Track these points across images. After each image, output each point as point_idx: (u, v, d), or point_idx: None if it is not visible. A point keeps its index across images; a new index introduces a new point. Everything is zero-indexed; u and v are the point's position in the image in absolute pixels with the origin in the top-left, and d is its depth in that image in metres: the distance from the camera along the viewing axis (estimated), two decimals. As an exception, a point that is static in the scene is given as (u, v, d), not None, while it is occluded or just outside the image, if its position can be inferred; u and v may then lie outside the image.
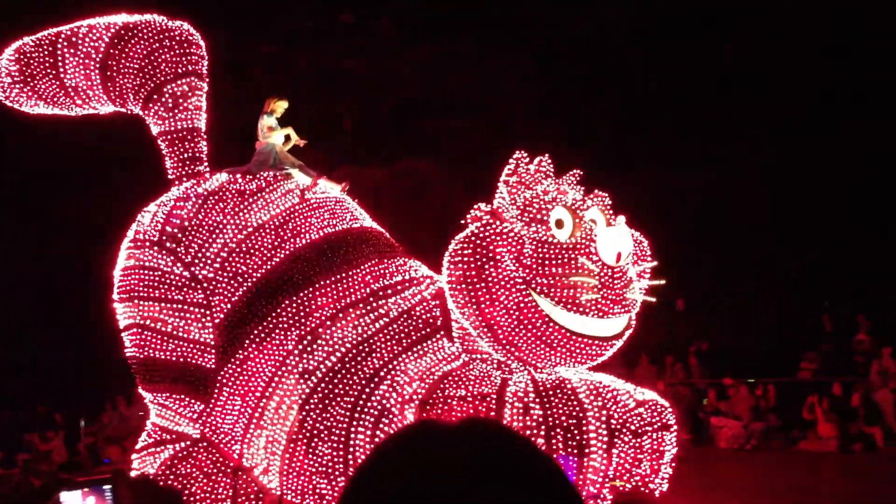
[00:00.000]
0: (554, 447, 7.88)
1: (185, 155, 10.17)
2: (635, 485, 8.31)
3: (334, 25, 24.77)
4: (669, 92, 23.80)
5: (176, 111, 10.19)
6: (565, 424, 7.95)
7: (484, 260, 7.75)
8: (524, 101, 24.05)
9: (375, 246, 9.38)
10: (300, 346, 8.63)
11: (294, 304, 8.79)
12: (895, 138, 21.65)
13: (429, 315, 8.80)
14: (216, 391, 8.81)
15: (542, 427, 7.90)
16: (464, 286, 7.82)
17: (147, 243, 9.25)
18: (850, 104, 22.81)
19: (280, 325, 8.72)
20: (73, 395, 21.64)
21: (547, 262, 7.72)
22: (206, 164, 10.23)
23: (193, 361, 8.88)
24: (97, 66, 10.21)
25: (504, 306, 7.75)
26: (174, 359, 8.92)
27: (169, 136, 10.24)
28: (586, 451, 7.94)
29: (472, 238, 7.87)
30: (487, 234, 7.82)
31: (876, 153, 22.50)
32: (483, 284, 7.73)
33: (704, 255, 22.20)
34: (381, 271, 9.14)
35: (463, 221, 8.16)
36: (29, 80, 10.27)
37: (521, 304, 7.74)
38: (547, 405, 7.99)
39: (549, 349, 7.96)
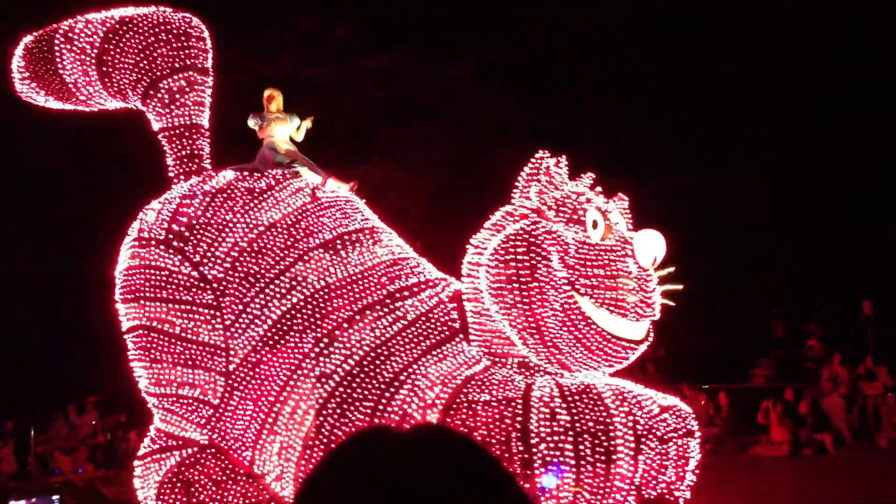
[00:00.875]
0: (582, 453, 7.62)
1: (185, 152, 9.84)
2: (660, 492, 8.06)
3: (294, 32, 24.61)
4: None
5: (173, 107, 9.86)
6: (593, 430, 7.69)
7: (538, 259, 7.62)
8: (487, 108, 24.05)
9: (388, 247, 9.10)
10: (316, 349, 8.33)
11: (309, 306, 8.49)
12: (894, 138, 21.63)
13: (447, 318, 8.54)
14: (226, 395, 8.50)
15: (570, 433, 7.64)
16: (515, 285, 7.66)
17: (153, 242, 8.93)
18: (851, 104, 22.75)
19: (295, 328, 8.42)
20: (24, 403, 21.16)
21: (590, 264, 7.62)
22: (207, 161, 9.90)
23: (202, 364, 8.56)
24: (93, 61, 9.91)
25: (552, 307, 7.62)
26: (182, 362, 8.60)
27: (168, 133, 9.92)
28: (613, 457, 7.69)
29: (523, 236, 7.71)
30: (539, 232, 7.65)
31: (875, 153, 22.48)
32: (536, 284, 7.59)
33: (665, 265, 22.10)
34: (397, 272, 8.85)
35: (500, 221, 7.97)
36: (34, 76, 10.07)
37: (567, 306, 7.63)
38: (574, 410, 7.73)
39: (587, 352, 7.83)
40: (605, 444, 7.66)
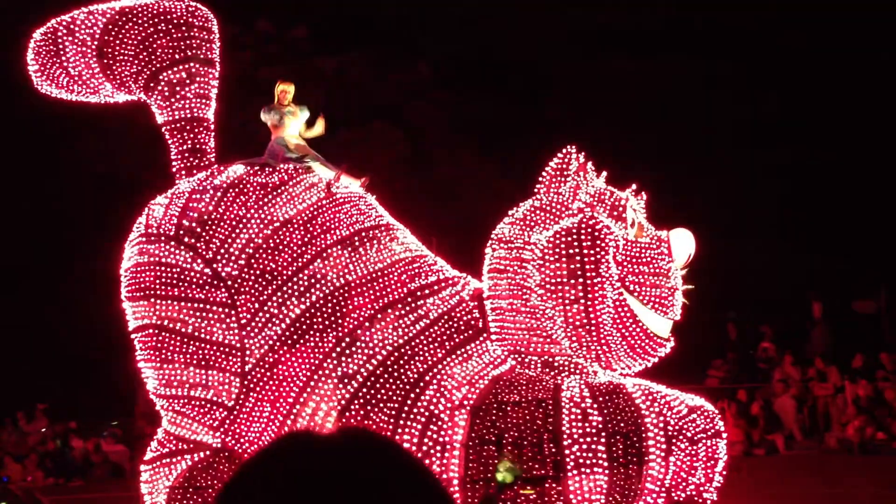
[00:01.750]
0: (615, 455, 7.56)
1: (186, 146, 9.52)
2: (689, 494, 8.04)
3: (249, 33, 24.30)
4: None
5: (174, 100, 9.55)
6: (625, 431, 7.64)
7: (603, 254, 7.61)
8: (435, 110, 24.08)
9: (405, 244, 8.92)
10: (338, 349, 8.12)
11: (329, 304, 8.27)
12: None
13: (470, 316, 8.40)
14: (242, 397, 8.23)
15: (603, 434, 7.57)
16: (576, 281, 7.58)
17: (162, 238, 8.60)
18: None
19: (314, 327, 8.20)
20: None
21: (635, 261, 7.62)
22: (212, 156, 9.58)
23: (216, 365, 8.27)
24: (94, 53, 9.61)
25: (607, 305, 7.64)
26: (195, 362, 8.30)
27: (169, 126, 9.61)
28: (645, 458, 7.64)
29: (585, 231, 7.64)
30: (601, 227, 7.63)
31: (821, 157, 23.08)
32: (599, 280, 7.52)
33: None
34: (416, 270, 8.68)
35: (532, 216, 7.91)
36: (44, 70, 9.81)
37: (619, 303, 7.66)
38: (605, 411, 7.67)
39: (630, 350, 7.89)
40: (637, 445, 7.62)
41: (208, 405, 8.33)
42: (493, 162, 23.55)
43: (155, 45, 9.56)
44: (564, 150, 8.29)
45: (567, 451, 7.45)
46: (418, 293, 8.46)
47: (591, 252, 7.61)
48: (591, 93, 23.77)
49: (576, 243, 7.65)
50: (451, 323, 8.33)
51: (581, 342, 7.80)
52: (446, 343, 8.21)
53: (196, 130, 9.54)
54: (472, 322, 8.35)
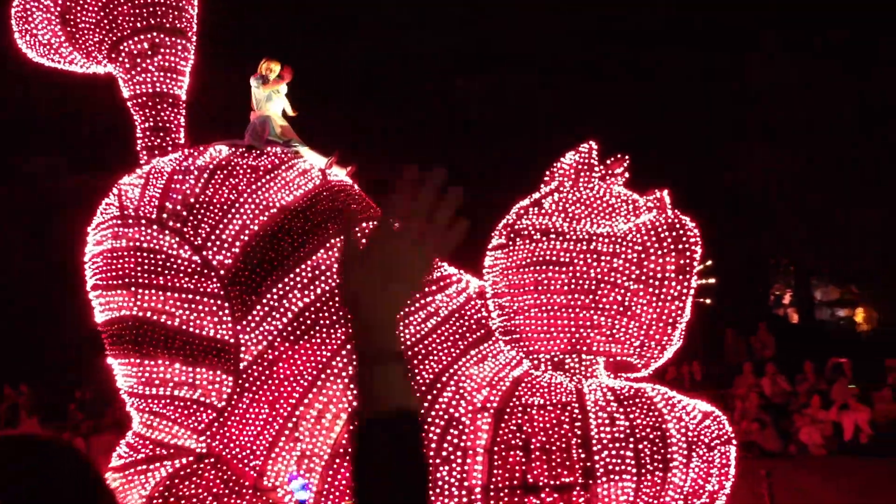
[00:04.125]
0: (642, 461, 7.27)
1: (149, 124, 8.72)
2: (703, 502, 7.83)
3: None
4: None
5: (135, 72, 8.74)
6: (651, 436, 7.37)
7: (690, 252, 7.45)
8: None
9: None
10: (348, 346, 7.51)
11: (335, 298, 7.65)
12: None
13: (479, 315, 7.97)
14: (234, 397, 7.50)
15: (631, 439, 7.27)
16: (683, 276, 7.41)
17: (143, 221, 7.76)
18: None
19: (321, 322, 7.56)
20: None
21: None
22: (178, 135, 8.77)
23: (206, 362, 7.50)
24: (57, 19, 8.77)
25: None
26: (182, 358, 7.51)
27: (132, 101, 8.80)
28: (670, 465, 7.39)
29: (681, 226, 7.42)
30: (684, 223, 7.41)
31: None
32: (684, 278, 7.36)
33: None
34: None
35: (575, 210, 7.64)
36: (21, 35, 9.02)
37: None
38: (631, 416, 7.39)
39: (661, 351, 7.67)
40: (663, 451, 7.37)
41: (194, 406, 7.55)
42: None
43: (116, 12, 8.75)
44: (588, 145, 8.03)
45: (597, 457, 7.11)
46: (426, 289, 7.97)
47: (692, 248, 7.46)
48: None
49: (679, 239, 7.44)
50: (462, 321, 7.89)
51: (638, 341, 7.52)
52: (459, 343, 7.76)
53: (160, 107, 8.73)
54: (483, 321, 7.93)
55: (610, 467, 7.13)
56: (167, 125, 8.73)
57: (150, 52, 8.74)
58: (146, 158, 8.64)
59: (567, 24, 23.92)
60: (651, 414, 7.47)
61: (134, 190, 8.02)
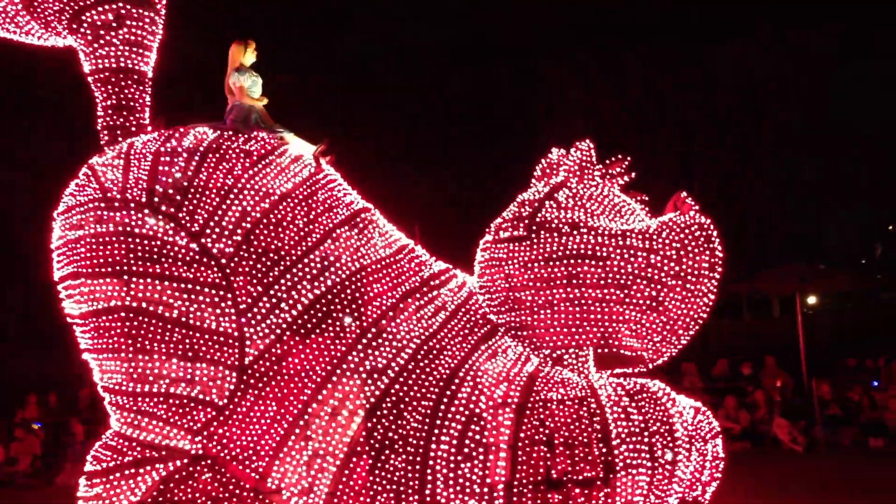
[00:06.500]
0: (655, 454, 7.34)
1: (111, 102, 8.04)
2: (696, 496, 7.99)
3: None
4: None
5: (97, 45, 8.07)
6: (661, 431, 7.46)
7: (718, 251, 7.65)
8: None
9: (393, 230, 8.11)
10: (363, 340, 7.17)
11: (348, 290, 7.29)
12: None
13: (484, 310, 7.83)
14: (238, 395, 7.00)
15: (646, 433, 7.33)
16: (713, 274, 7.59)
17: (131, 204, 7.11)
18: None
19: (333, 314, 7.18)
20: None
21: None
22: (142, 115, 8.12)
23: (207, 356, 6.96)
24: None
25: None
26: (180, 352, 6.93)
27: (94, 77, 8.11)
28: (677, 458, 7.50)
29: (703, 226, 7.65)
30: (709, 223, 7.49)
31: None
32: (714, 276, 7.56)
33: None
34: (419, 258, 7.95)
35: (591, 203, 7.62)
36: None
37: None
38: (642, 410, 7.46)
39: (675, 347, 7.84)
40: (671, 445, 7.48)
41: (191, 404, 6.99)
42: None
43: None
44: (586, 144, 8.04)
45: (616, 451, 7.11)
46: (431, 282, 7.76)
47: (719, 248, 7.62)
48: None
49: (709, 238, 7.59)
50: (469, 316, 7.73)
51: (667, 336, 7.60)
52: (469, 337, 7.60)
53: (123, 83, 8.06)
54: (488, 316, 7.80)
55: (628, 461, 7.16)
56: (131, 104, 8.07)
57: (114, 24, 8.06)
58: (107, 139, 7.97)
59: (563, 17, 24.29)
60: (658, 408, 7.56)
61: (114, 171, 7.37)
